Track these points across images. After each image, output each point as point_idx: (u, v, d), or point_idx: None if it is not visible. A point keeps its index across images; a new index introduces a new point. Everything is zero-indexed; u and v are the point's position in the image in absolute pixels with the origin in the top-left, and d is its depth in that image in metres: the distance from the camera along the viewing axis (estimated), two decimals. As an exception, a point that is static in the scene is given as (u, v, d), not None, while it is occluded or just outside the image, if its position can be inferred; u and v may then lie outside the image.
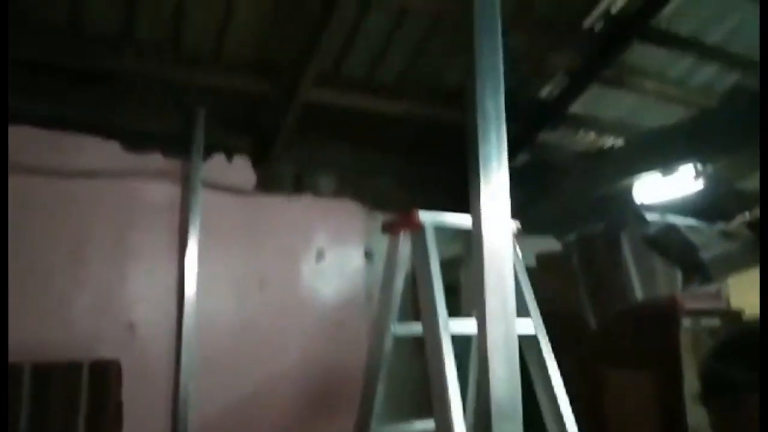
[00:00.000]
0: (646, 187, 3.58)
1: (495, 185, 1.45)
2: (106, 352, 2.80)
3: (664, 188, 3.53)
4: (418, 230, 1.94)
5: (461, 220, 2.04)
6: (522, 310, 1.98)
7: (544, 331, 2.04)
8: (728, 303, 2.93)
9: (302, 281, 3.40)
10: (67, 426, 2.60)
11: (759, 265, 2.72)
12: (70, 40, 2.80)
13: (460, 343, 2.10)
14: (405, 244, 2.04)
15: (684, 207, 3.50)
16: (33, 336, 2.66)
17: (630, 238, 3.06)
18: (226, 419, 3.00)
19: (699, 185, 3.47)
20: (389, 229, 2.11)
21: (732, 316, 2.87)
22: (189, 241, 3.08)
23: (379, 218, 3.07)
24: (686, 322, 2.77)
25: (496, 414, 1.47)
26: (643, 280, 2.92)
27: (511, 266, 1.48)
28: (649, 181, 3.52)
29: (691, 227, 3.09)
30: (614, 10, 3.44)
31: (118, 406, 2.74)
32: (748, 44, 3.79)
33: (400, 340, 2.26)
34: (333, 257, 3.53)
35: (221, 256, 3.20)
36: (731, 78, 4.00)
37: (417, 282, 1.91)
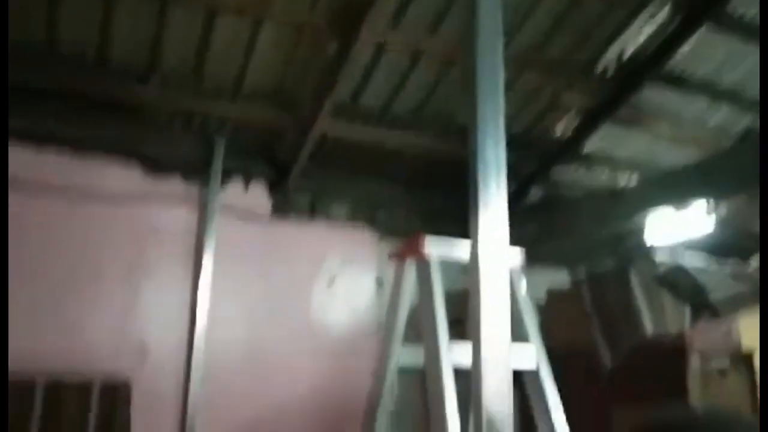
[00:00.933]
0: (658, 226, 3.58)
1: (493, 214, 1.50)
2: (117, 371, 2.85)
3: (676, 227, 3.52)
4: (423, 258, 1.98)
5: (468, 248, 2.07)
6: (522, 336, 1.98)
7: (547, 364, 2.05)
8: (739, 343, 2.90)
9: (313, 307, 3.44)
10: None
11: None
12: (99, 72, 2.93)
13: (465, 380, 2.12)
14: (411, 272, 2.08)
15: (695, 246, 3.48)
16: (48, 350, 2.73)
17: (640, 276, 3.06)
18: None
19: (711, 224, 3.46)
20: (396, 256, 2.15)
21: (742, 357, 2.84)
22: (203, 266, 3.15)
23: (391, 247, 3.13)
24: (696, 362, 2.74)
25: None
26: (653, 317, 2.91)
27: (507, 292, 1.50)
28: (661, 220, 3.52)
29: (700, 269, 3.08)
30: (627, 55, 3.50)
31: (127, 425, 2.78)
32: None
33: (405, 375, 2.28)
34: (344, 284, 3.58)
35: (234, 281, 3.26)
36: (745, 120, 4.02)
37: (420, 309, 1.94)
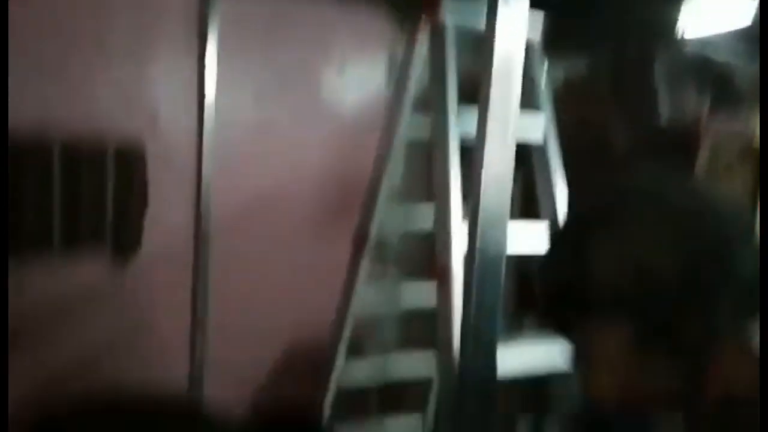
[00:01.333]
0: (693, 15, 3.34)
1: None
2: (130, 139, 2.91)
3: (712, 17, 3.28)
4: (438, 21, 1.85)
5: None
6: (533, 102, 1.94)
7: (556, 139, 2.03)
8: (752, 138, 2.86)
9: (322, 89, 3.38)
10: (96, 202, 2.79)
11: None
12: None
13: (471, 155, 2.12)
14: (424, 38, 1.97)
15: (728, 39, 3.28)
16: (58, 116, 2.75)
17: (664, 65, 2.93)
18: (245, 210, 3.18)
19: (749, 17, 3.22)
20: (409, 21, 2.03)
21: (752, 151, 2.82)
22: (208, 42, 3.03)
23: (407, 29, 2.95)
24: (706, 151, 2.73)
25: (483, 212, 1.52)
26: (672, 105, 2.85)
27: (521, 57, 1.44)
28: (697, 9, 3.27)
29: (728, 62, 2.93)
30: None
31: (144, 191, 2.91)
32: None
33: (412, 151, 2.28)
34: (355, 68, 3.47)
35: (241, 61, 3.16)
36: None
37: (430, 78, 1.88)
